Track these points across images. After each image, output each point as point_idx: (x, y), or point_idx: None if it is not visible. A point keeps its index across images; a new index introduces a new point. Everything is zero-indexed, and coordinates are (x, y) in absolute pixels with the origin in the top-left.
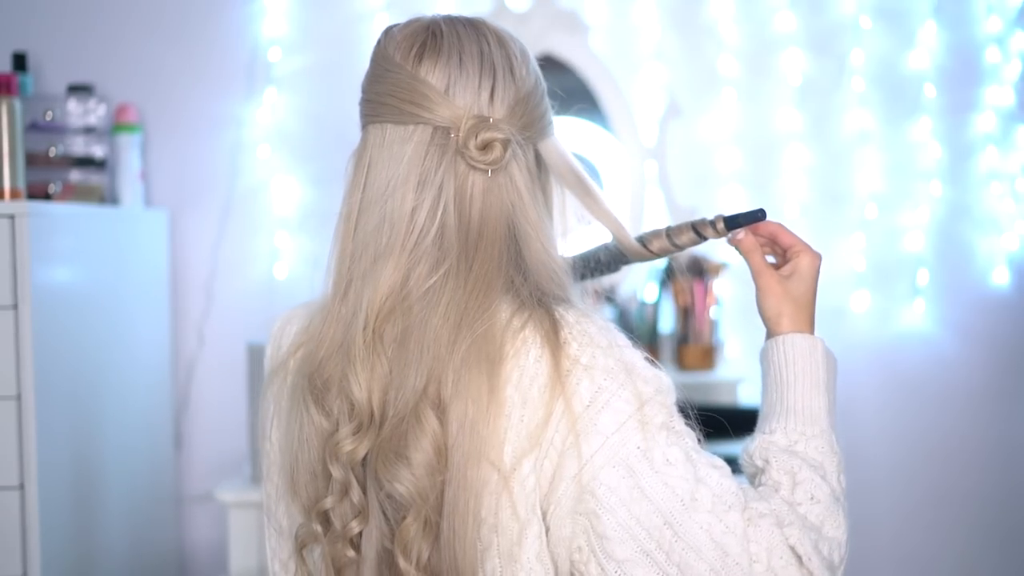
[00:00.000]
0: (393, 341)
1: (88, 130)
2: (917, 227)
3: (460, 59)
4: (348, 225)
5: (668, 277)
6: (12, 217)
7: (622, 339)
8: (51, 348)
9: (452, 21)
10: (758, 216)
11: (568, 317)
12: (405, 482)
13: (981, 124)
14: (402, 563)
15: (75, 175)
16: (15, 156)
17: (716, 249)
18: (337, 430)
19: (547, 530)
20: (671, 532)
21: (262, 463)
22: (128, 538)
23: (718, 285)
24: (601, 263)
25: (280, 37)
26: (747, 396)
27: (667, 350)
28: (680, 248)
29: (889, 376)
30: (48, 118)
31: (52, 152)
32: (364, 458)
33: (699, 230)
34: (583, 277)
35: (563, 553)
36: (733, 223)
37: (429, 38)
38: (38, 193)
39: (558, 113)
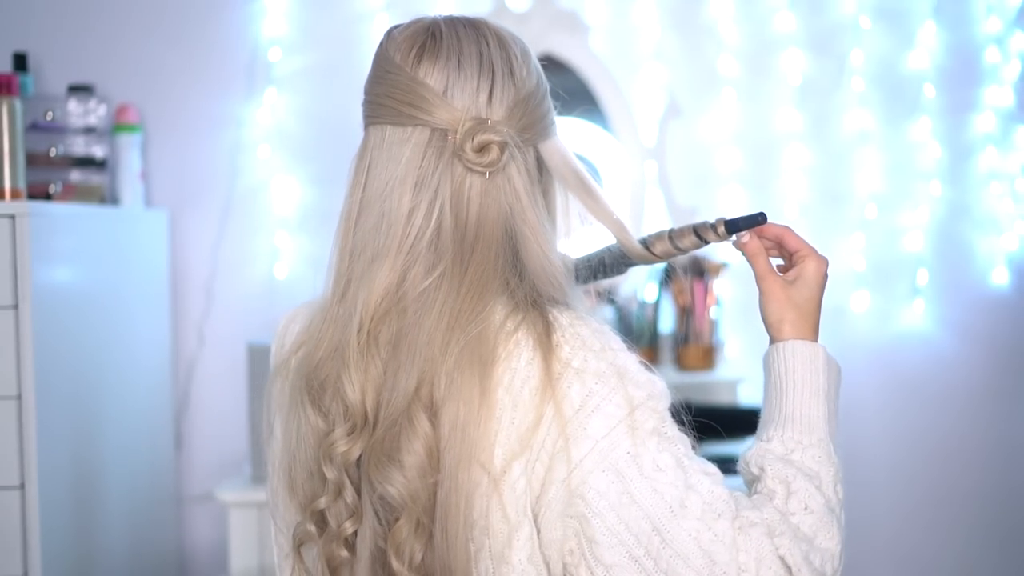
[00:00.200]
0: (388, 343)
1: (88, 130)
2: (917, 227)
3: (459, 61)
4: (348, 224)
5: (668, 277)
6: (13, 217)
7: (616, 342)
8: (51, 348)
9: (453, 22)
10: (758, 220)
11: (562, 320)
12: (397, 484)
13: (981, 124)
14: (395, 564)
15: (75, 175)
16: (15, 156)
17: (716, 249)
18: (332, 431)
19: (539, 532)
20: (659, 538)
21: (267, 462)
22: (128, 538)
23: (718, 285)
24: (605, 265)
25: (280, 37)
26: (747, 396)
27: (667, 350)
28: (683, 251)
29: (889, 376)
30: (48, 118)
31: (52, 152)
32: (358, 459)
33: (701, 234)
34: (587, 280)
35: (555, 555)
36: (734, 227)
37: (429, 39)
38: (39, 193)
39: (561, 114)
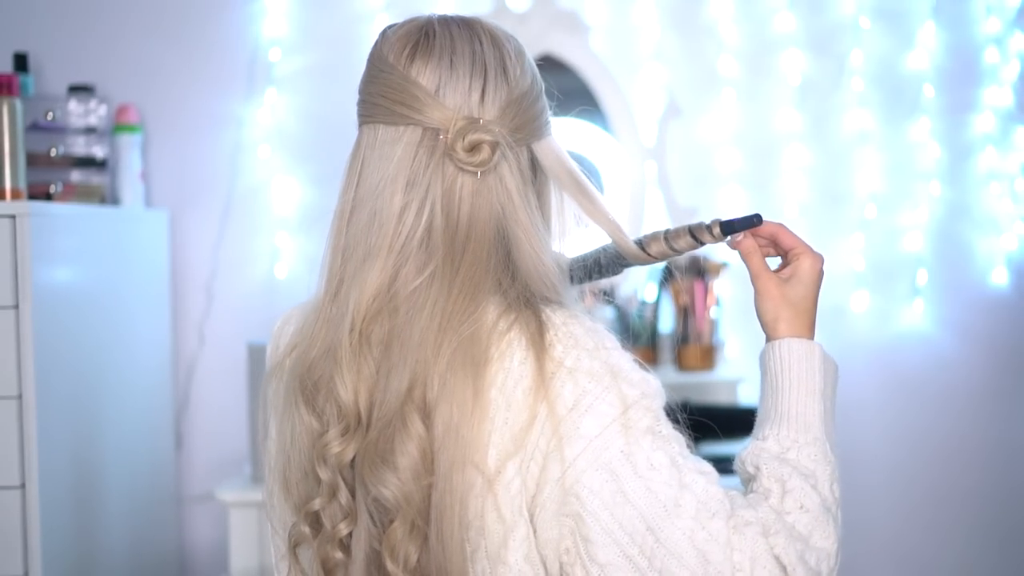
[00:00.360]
0: (380, 343)
1: (89, 130)
2: (916, 227)
3: (451, 60)
4: (340, 223)
5: (668, 277)
6: (13, 217)
7: (610, 341)
8: (52, 348)
9: (446, 21)
10: (753, 221)
11: (555, 319)
12: (391, 486)
13: (980, 124)
14: (390, 566)
15: (76, 175)
16: (16, 156)
17: (716, 249)
18: (326, 432)
19: (535, 532)
20: (653, 538)
21: (264, 462)
22: (129, 538)
23: (718, 285)
24: (601, 266)
25: (280, 37)
26: (747, 396)
27: (667, 350)
28: (678, 252)
29: (888, 376)
30: (49, 118)
31: (53, 152)
32: (352, 460)
33: (696, 235)
34: (583, 280)
35: (551, 555)
36: (729, 228)
37: (422, 39)
38: (39, 193)
39: (558, 114)
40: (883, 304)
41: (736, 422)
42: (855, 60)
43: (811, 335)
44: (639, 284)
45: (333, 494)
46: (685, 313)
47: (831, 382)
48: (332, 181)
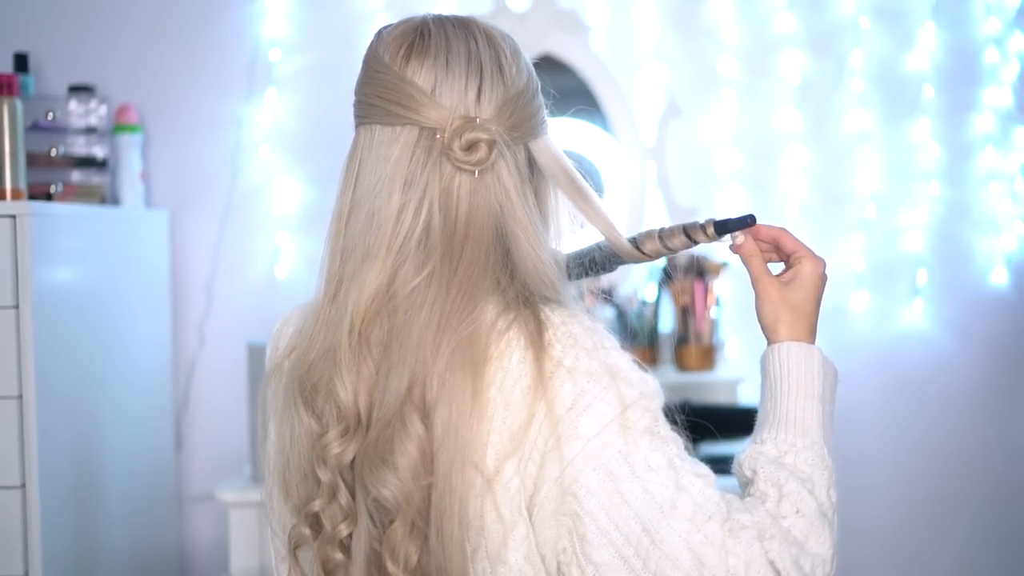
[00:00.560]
0: (379, 343)
1: (89, 130)
2: (916, 227)
3: (447, 59)
4: (339, 224)
5: (668, 277)
6: (14, 217)
7: (609, 341)
8: (52, 348)
9: (441, 21)
10: (747, 221)
11: (554, 318)
12: (391, 487)
13: (980, 125)
14: (390, 567)
15: (76, 175)
16: (16, 156)
17: (716, 249)
18: (326, 433)
19: (534, 531)
20: (649, 539)
21: (263, 464)
22: (129, 538)
23: (718, 285)
24: (596, 263)
25: (280, 37)
26: (747, 396)
27: (667, 350)
28: (673, 251)
29: (888, 376)
30: (49, 118)
31: (53, 152)
32: (352, 461)
33: (690, 234)
34: (579, 277)
35: (550, 554)
36: (723, 228)
37: (417, 39)
38: (39, 193)
39: (557, 113)
40: (883, 304)
41: (736, 422)
42: (855, 60)
43: (812, 339)
44: (639, 284)
45: (333, 495)
46: (685, 313)
47: (830, 386)
48: (332, 181)
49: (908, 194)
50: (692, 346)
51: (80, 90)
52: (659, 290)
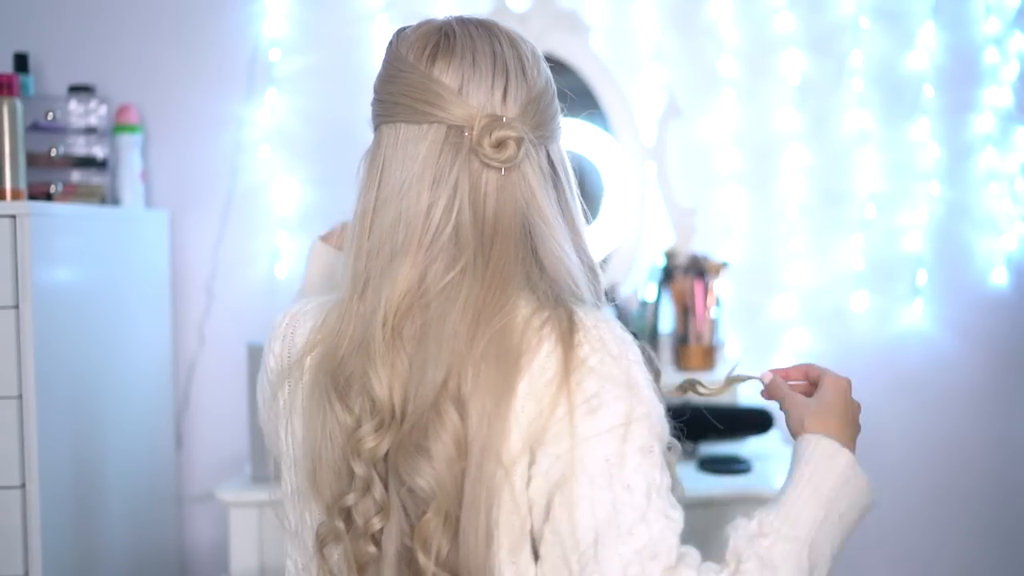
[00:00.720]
0: (412, 338)
1: (89, 130)
2: (916, 227)
3: (473, 59)
4: (363, 223)
5: (668, 277)
6: (14, 217)
7: (634, 354)
8: (52, 348)
9: (464, 22)
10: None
11: (587, 321)
12: (426, 476)
13: (980, 125)
14: (422, 559)
15: (76, 175)
16: (16, 156)
17: (716, 249)
18: (359, 427)
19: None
20: (593, 552)
21: (270, 463)
22: (129, 537)
23: (718, 285)
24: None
25: (280, 37)
26: (747, 396)
27: (667, 350)
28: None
29: (888, 376)
30: (49, 118)
31: (53, 152)
32: (386, 455)
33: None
34: None
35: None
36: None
37: (442, 39)
38: (39, 193)
39: (564, 115)
40: (883, 304)
41: (736, 422)
42: (855, 60)
43: (848, 444)
44: (639, 284)
45: (367, 488)
46: (685, 313)
47: (850, 497)
48: (332, 181)
49: (908, 194)
50: (692, 346)
51: (80, 90)
52: (659, 290)
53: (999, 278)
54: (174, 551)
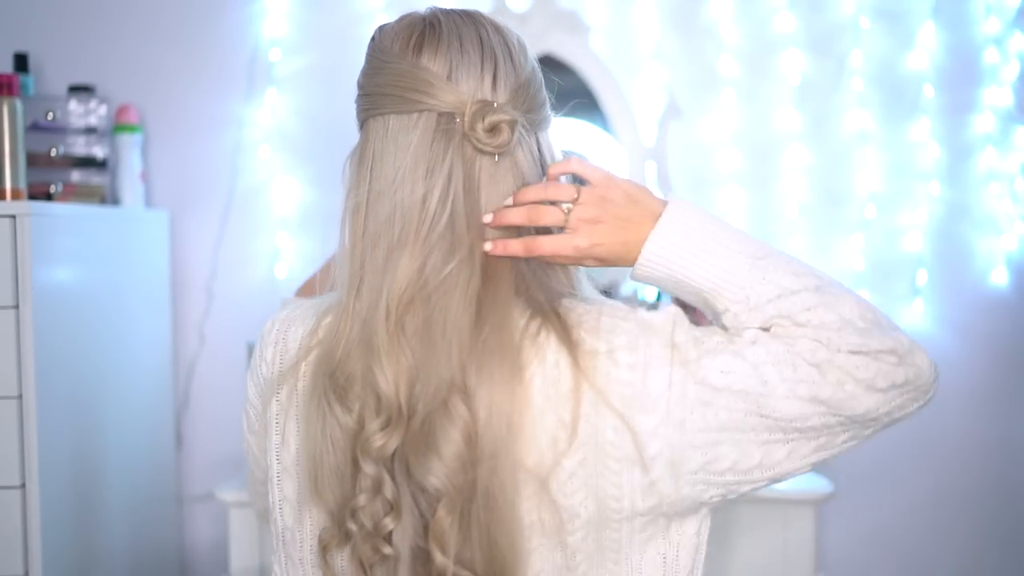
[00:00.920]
0: (415, 333)
1: (89, 130)
2: (916, 227)
3: (460, 45)
4: (356, 219)
5: None
6: (13, 217)
7: (620, 311)
8: (52, 348)
9: (447, 12)
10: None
11: (572, 318)
12: (437, 473)
13: (980, 125)
14: (438, 558)
15: (76, 175)
16: (16, 156)
17: None
18: (363, 427)
19: (669, 515)
20: (768, 420)
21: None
22: (129, 537)
23: None
24: None
25: (280, 37)
26: None
27: None
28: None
29: None
30: (49, 118)
31: (53, 152)
32: (393, 453)
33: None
34: None
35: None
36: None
37: (427, 28)
38: (39, 193)
39: (562, 115)
40: (883, 304)
41: None
42: (855, 60)
43: (653, 220)
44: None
45: (378, 489)
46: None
47: (711, 225)
48: (333, 181)
49: (908, 194)
50: None
51: (80, 90)
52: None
53: (999, 278)
54: (174, 551)
